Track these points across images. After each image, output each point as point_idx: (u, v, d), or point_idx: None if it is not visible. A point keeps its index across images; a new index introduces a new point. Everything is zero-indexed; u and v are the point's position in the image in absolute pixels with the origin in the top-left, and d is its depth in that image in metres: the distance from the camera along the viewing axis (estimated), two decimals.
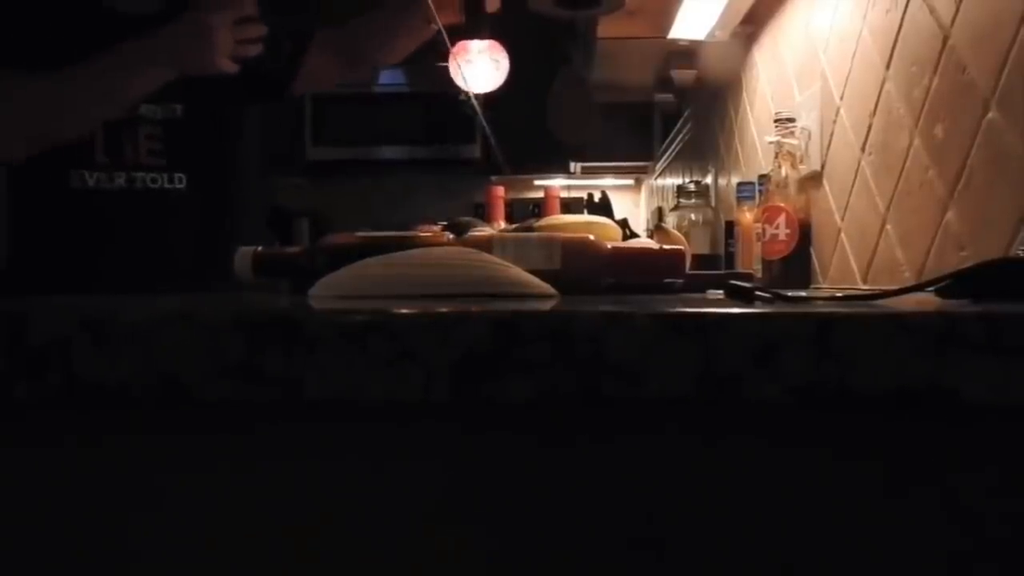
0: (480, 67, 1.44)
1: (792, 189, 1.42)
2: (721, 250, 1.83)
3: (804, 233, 1.41)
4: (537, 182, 3.67)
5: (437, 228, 1.20)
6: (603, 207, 3.37)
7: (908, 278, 1.13)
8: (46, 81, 1.33)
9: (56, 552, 0.46)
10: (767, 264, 1.43)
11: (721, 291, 0.67)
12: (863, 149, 1.30)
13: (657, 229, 1.67)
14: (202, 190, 1.48)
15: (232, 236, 0.91)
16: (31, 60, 1.34)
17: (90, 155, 1.41)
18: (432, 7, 1.43)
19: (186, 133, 1.46)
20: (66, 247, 1.43)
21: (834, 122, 1.42)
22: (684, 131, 2.70)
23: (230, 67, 1.36)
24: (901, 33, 1.17)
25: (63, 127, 1.36)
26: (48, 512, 0.46)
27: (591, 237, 0.87)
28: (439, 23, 1.45)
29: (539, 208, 2.16)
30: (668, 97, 2.88)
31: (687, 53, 2.44)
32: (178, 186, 1.46)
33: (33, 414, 0.45)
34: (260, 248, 0.90)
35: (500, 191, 1.78)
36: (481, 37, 1.46)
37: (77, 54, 1.32)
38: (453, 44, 1.47)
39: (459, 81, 1.46)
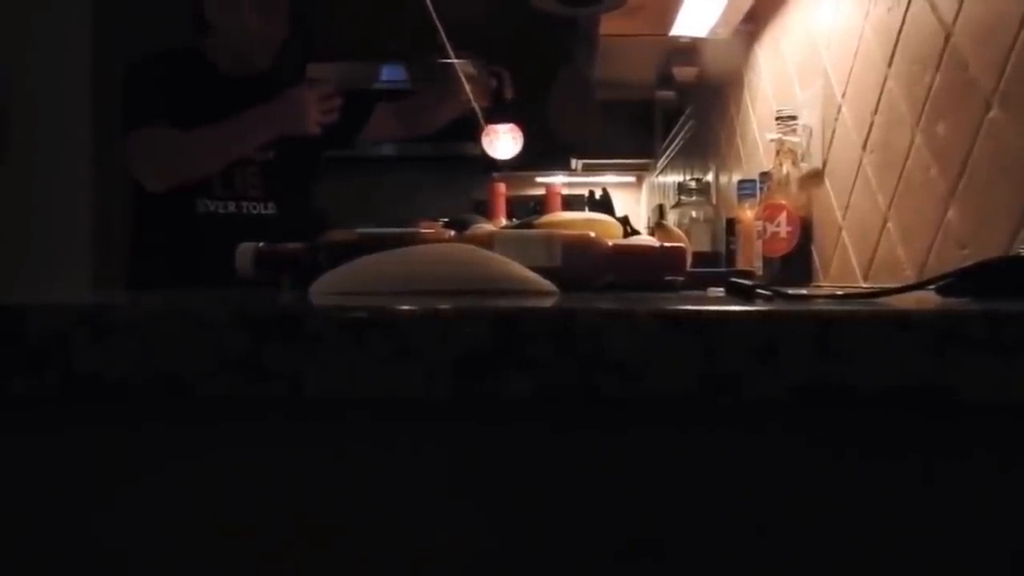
0: (503, 142, 2.12)
1: (793, 187, 1.42)
2: (722, 248, 1.83)
3: (805, 231, 1.41)
4: (538, 179, 3.66)
5: (438, 225, 1.21)
6: (604, 204, 3.36)
7: (909, 276, 1.13)
8: (189, 134, 1.79)
9: (54, 547, 0.46)
10: (768, 262, 1.43)
11: (722, 289, 0.67)
12: (864, 147, 1.30)
13: (658, 226, 1.67)
14: (288, 215, 1.95)
15: None
16: (171, 115, 1.80)
17: (210, 187, 1.88)
18: (471, 94, 2.03)
19: (277, 172, 1.94)
20: (186, 258, 1.85)
21: (835, 120, 1.42)
22: (685, 128, 2.70)
23: (316, 129, 1.86)
24: (903, 31, 1.17)
25: (199, 168, 1.84)
26: (46, 508, 0.46)
27: (592, 234, 0.87)
28: (476, 105, 2.05)
29: (540, 205, 2.17)
30: (669, 94, 2.87)
31: (689, 50, 2.43)
32: (272, 212, 1.94)
33: (31, 410, 0.45)
34: (262, 244, 0.90)
35: (501, 188, 1.78)
36: (504, 121, 2.09)
37: (202, 109, 1.80)
38: (484, 122, 2.08)
39: (489, 151, 2.10)
